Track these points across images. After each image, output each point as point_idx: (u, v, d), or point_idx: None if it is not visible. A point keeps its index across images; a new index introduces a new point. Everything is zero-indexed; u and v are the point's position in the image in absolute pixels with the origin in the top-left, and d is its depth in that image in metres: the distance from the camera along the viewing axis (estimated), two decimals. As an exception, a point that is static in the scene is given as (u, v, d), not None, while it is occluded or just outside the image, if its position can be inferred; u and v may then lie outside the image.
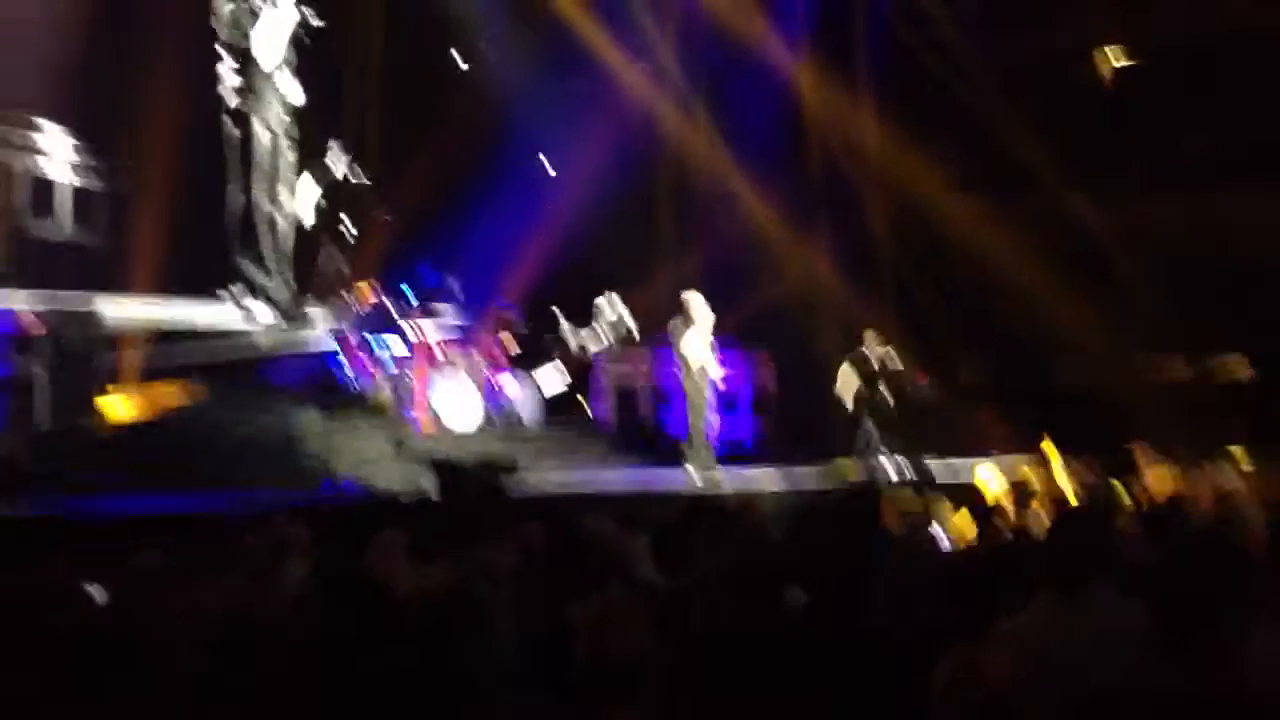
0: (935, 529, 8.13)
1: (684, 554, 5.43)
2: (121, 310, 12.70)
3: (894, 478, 12.80)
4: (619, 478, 12.42)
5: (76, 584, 4.71)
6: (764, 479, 12.11)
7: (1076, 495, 8.57)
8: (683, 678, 3.36)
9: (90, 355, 10.64)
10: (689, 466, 12.11)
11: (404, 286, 14.09)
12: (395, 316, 13.82)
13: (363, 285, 14.32)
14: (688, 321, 12.09)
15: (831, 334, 16.38)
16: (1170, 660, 2.70)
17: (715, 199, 17.61)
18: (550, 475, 12.31)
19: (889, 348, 14.27)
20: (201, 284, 14.13)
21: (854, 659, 3.35)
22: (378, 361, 13.64)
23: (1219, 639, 2.64)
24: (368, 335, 13.70)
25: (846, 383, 14.17)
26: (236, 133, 13.71)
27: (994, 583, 4.47)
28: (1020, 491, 8.18)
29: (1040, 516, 7.41)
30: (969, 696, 2.68)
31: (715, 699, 3.40)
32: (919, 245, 17.91)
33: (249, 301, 13.98)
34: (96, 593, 4.77)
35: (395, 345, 13.68)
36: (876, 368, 14.23)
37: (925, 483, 11.62)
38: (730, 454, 14.26)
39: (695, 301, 12.18)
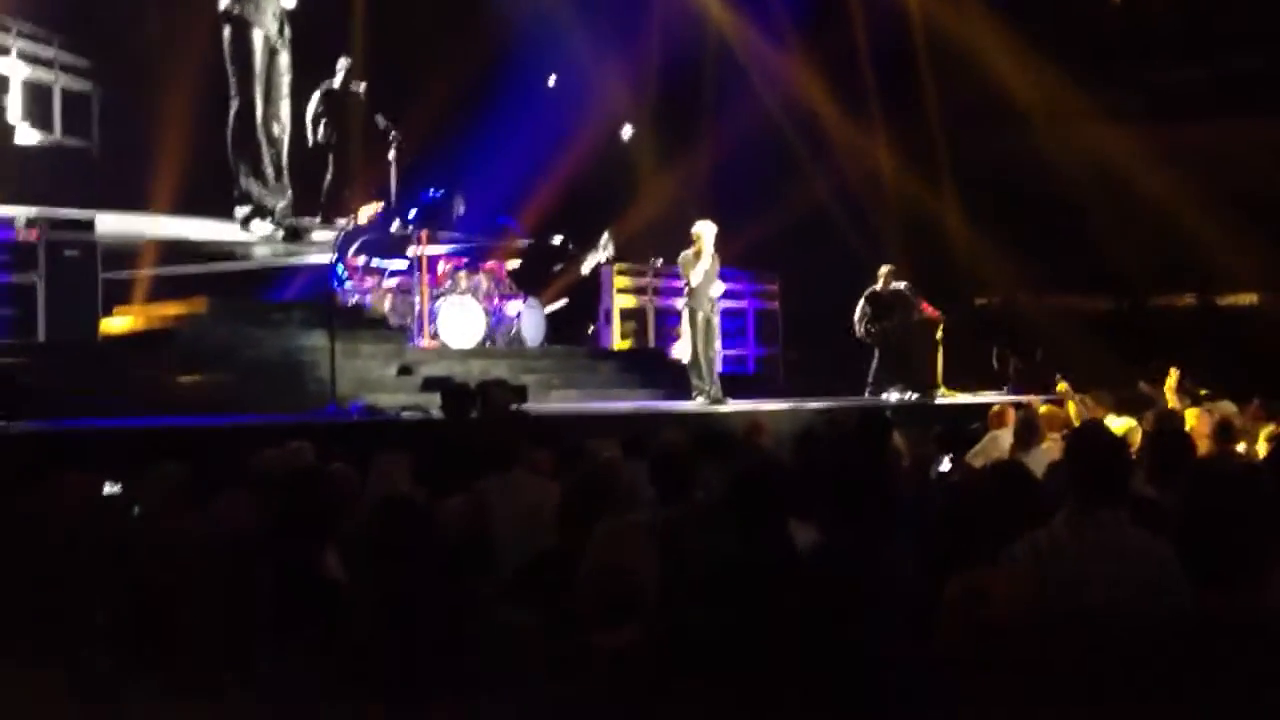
0: (944, 461, 8.11)
1: (686, 480, 5.39)
2: (119, 222, 12.59)
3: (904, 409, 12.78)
4: (624, 403, 12.39)
5: (96, 493, 4.71)
6: (771, 408, 12.08)
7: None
8: (682, 600, 3.38)
9: (89, 267, 10.52)
10: (696, 395, 12.07)
11: (408, 204, 13.95)
12: (398, 235, 13.70)
13: (366, 202, 14.17)
14: (698, 252, 12.00)
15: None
16: (1189, 583, 2.67)
17: (742, 103, 17.29)
18: (554, 399, 12.29)
19: (905, 282, 14.25)
20: (200, 196, 14.02)
21: (863, 583, 3.30)
22: (381, 281, 13.54)
23: (1238, 564, 2.60)
24: (371, 253, 13.58)
25: (862, 316, 14.17)
26: (235, 41, 13.42)
27: (1002, 511, 4.43)
28: (1029, 428, 8.09)
29: (1052, 451, 7.34)
30: (974, 615, 2.64)
31: (714, 624, 3.40)
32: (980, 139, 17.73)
33: (248, 215, 13.80)
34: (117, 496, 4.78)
35: (398, 264, 13.57)
36: (892, 302, 14.21)
37: (935, 415, 11.59)
38: (738, 382, 14.23)
39: (706, 231, 12.08)
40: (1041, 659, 2.70)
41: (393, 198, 14.16)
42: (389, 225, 13.79)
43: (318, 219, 14.91)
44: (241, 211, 13.79)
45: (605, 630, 3.13)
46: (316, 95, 14.79)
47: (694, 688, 2.10)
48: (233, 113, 13.51)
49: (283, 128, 13.97)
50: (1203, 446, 7.04)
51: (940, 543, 4.32)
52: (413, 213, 13.70)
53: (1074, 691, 2.61)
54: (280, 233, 13.95)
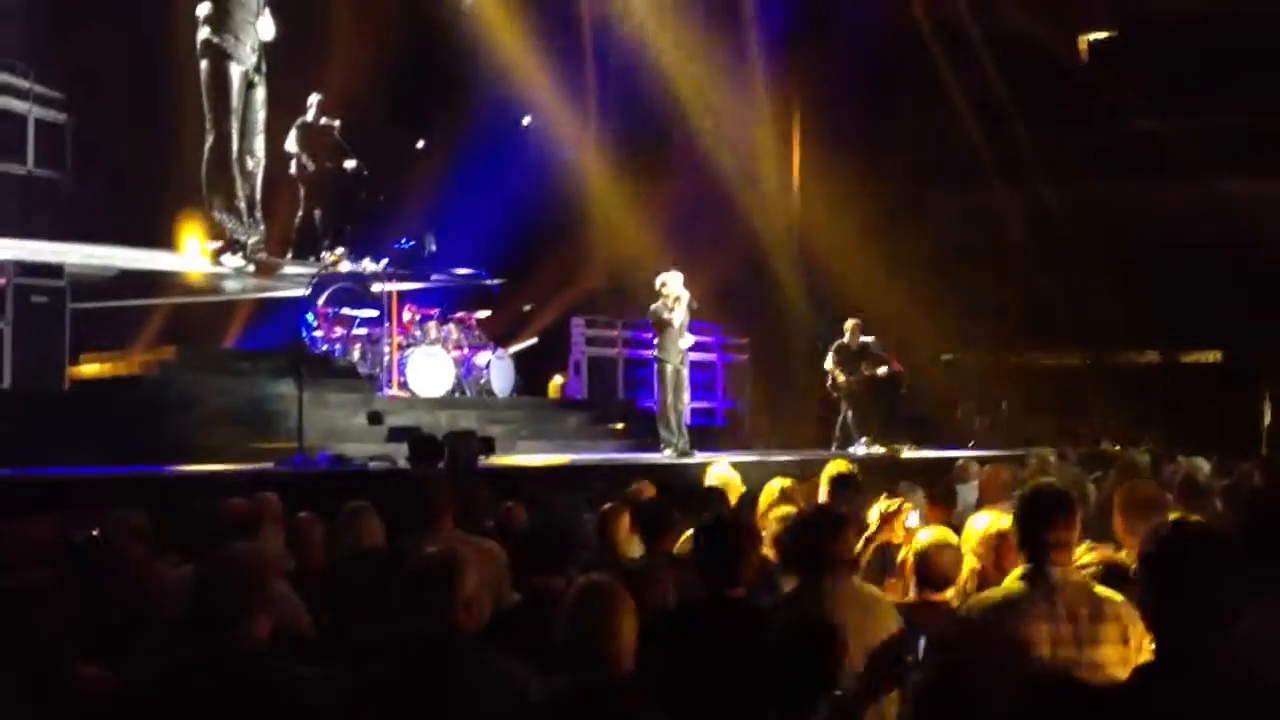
0: (913, 515, 8.13)
1: (660, 531, 5.45)
2: (89, 257, 12.53)
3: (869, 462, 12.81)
4: (592, 454, 12.39)
5: (66, 540, 4.70)
6: (739, 460, 12.10)
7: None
8: (656, 649, 3.46)
9: (58, 313, 10.46)
10: (664, 447, 12.09)
11: (379, 250, 13.97)
12: (369, 282, 13.71)
13: (337, 249, 14.19)
14: (667, 303, 12.05)
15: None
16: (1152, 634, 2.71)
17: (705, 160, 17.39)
18: (522, 450, 12.29)
19: (872, 337, 14.35)
20: (172, 229, 14.04)
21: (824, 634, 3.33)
22: (350, 329, 13.55)
23: (1202, 615, 2.65)
24: (340, 303, 13.59)
25: (828, 369, 14.26)
26: (213, 74, 13.39)
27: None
28: (995, 483, 8.12)
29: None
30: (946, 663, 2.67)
31: (688, 671, 3.46)
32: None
33: (220, 249, 13.75)
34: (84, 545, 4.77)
35: (368, 313, 13.59)
36: (858, 356, 14.31)
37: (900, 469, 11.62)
38: (705, 435, 14.27)
39: (673, 280, 12.13)
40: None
41: (364, 244, 14.19)
42: (360, 272, 13.82)
43: (289, 255, 14.88)
44: (213, 245, 13.76)
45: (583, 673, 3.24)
46: (293, 131, 14.79)
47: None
48: (207, 146, 13.48)
49: (257, 162, 13.93)
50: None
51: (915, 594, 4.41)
52: (384, 262, 13.73)
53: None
54: (251, 267, 13.91)
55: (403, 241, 14.18)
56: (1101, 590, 3.72)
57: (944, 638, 2.75)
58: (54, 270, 10.73)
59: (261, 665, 3.21)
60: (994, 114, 17.73)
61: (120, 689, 3.30)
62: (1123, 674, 2.98)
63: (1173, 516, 3.27)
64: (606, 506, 6.22)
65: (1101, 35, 19.34)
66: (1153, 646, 2.73)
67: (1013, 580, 3.70)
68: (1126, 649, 3.52)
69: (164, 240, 14.08)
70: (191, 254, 14.03)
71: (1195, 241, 16.89)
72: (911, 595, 4.56)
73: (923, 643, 2.83)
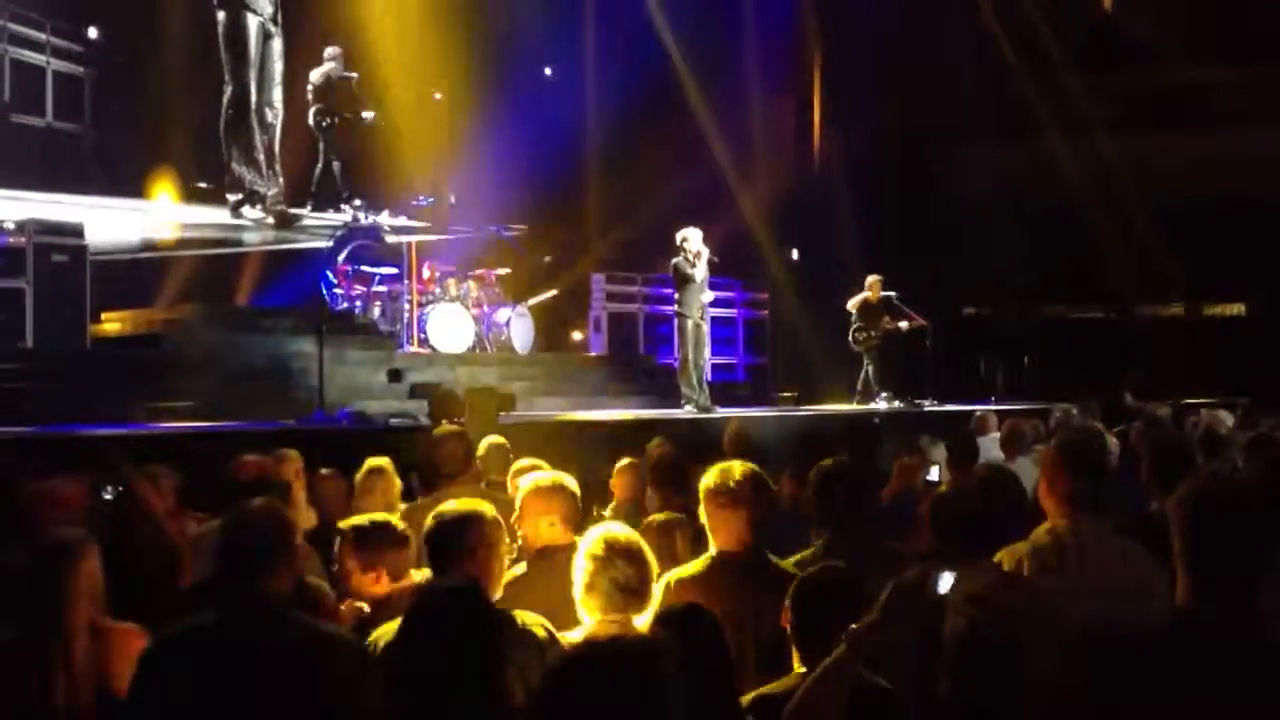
0: (931, 469, 8.12)
1: (676, 488, 5.46)
2: (107, 212, 12.51)
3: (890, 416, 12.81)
4: (614, 411, 12.39)
5: (93, 497, 4.74)
6: (760, 415, 12.10)
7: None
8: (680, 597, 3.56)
9: (78, 272, 10.47)
10: (685, 403, 12.08)
11: (397, 205, 13.93)
12: (389, 239, 13.68)
13: (358, 203, 14.16)
14: (688, 258, 12.00)
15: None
16: (1186, 593, 2.70)
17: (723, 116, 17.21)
18: (542, 406, 12.30)
19: (894, 291, 14.29)
20: (191, 182, 14.01)
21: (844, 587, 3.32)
22: (370, 286, 13.54)
23: (1237, 572, 2.63)
24: (360, 260, 13.58)
25: (852, 325, 14.23)
26: (230, 24, 13.25)
27: (989, 517, 4.47)
28: (1016, 436, 8.13)
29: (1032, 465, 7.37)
30: (982, 614, 2.66)
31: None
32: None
33: (239, 201, 13.71)
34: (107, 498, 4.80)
35: (388, 270, 13.58)
36: (880, 310, 14.26)
37: (922, 423, 11.60)
38: (726, 389, 14.26)
39: (693, 235, 12.08)
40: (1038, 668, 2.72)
41: (388, 198, 14.13)
42: (380, 228, 13.79)
43: (308, 207, 14.82)
44: (233, 197, 13.71)
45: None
46: (311, 82, 14.69)
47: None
48: (226, 98, 13.36)
49: (276, 114, 13.78)
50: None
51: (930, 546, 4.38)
52: (402, 219, 13.71)
53: (1071, 701, 2.63)
54: (270, 219, 13.88)
55: (420, 199, 14.10)
56: (1128, 541, 3.71)
57: (975, 590, 2.72)
58: (74, 230, 10.73)
59: (285, 620, 3.22)
60: (1028, 62, 17.54)
61: (146, 642, 3.33)
62: (1151, 624, 2.96)
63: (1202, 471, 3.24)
64: (621, 464, 6.23)
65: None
66: (1181, 596, 2.72)
67: (1041, 532, 3.70)
68: (1154, 598, 3.52)
69: (183, 193, 14.09)
70: (211, 206, 13.99)
71: (1216, 193, 16.72)
72: (929, 548, 4.54)
73: (944, 580, 2.80)
